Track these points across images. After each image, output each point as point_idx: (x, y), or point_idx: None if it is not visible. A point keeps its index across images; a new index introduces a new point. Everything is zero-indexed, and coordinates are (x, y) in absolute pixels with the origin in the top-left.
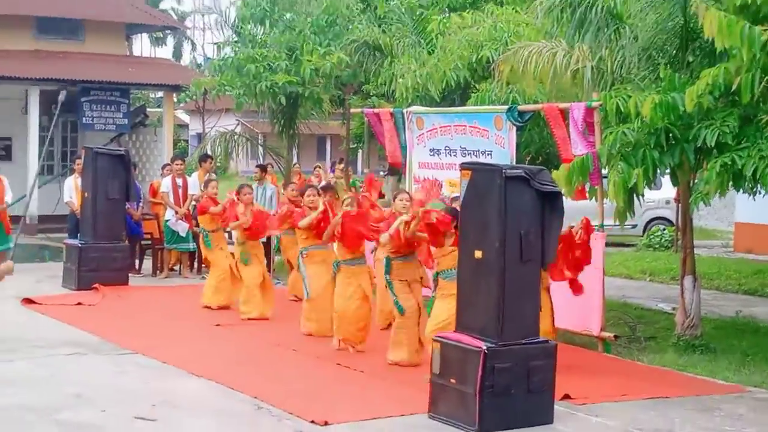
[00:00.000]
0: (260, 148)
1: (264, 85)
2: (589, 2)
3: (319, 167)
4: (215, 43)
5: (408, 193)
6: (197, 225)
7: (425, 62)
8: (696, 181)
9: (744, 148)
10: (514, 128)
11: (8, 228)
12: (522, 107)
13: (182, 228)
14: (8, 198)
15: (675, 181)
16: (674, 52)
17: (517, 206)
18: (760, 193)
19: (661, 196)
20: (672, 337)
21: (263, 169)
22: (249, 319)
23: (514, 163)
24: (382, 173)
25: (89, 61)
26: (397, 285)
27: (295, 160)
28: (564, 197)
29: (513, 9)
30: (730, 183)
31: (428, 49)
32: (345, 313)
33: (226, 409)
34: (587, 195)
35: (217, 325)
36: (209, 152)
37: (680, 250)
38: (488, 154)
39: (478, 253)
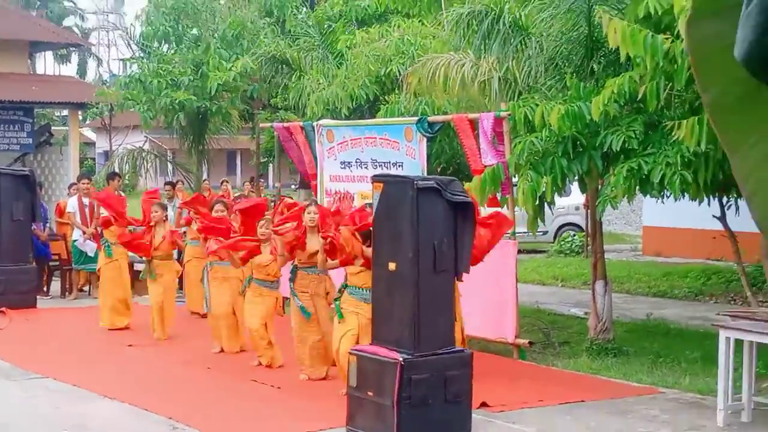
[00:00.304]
0: (169, 165)
1: (165, 102)
2: (495, 14)
3: (227, 182)
4: (121, 59)
5: (317, 205)
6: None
7: (334, 77)
8: (603, 186)
9: (650, 153)
10: (425, 139)
11: None
12: (432, 118)
13: (90, 248)
14: None
15: (584, 188)
16: (579, 61)
17: (430, 217)
18: (667, 197)
19: (570, 202)
20: (585, 342)
21: (173, 185)
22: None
23: (425, 174)
24: (293, 187)
25: None
26: (300, 297)
27: (205, 175)
28: (479, 206)
29: (419, 21)
30: (637, 188)
31: (336, 62)
32: (257, 330)
33: (140, 430)
34: (499, 203)
35: (129, 345)
36: (117, 170)
37: (590, 255)
38: (399, 166)
39: (392, 265)
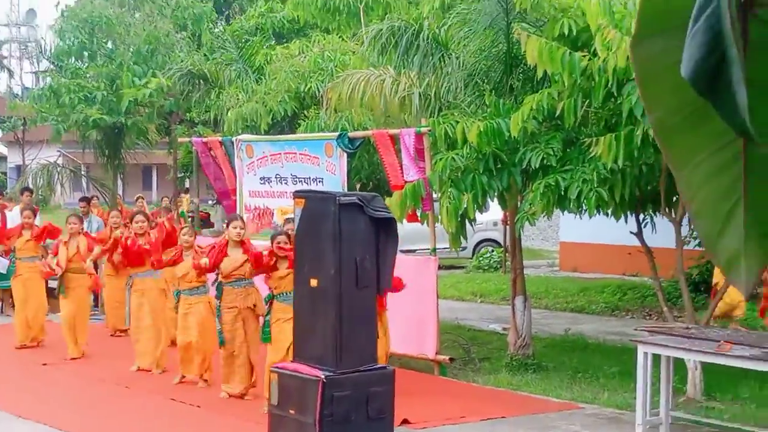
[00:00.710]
0: (83, 180)
1: (78, 117)
2: (415, 29)
3: (142, 198)
4: (34, 72)
5: (242, 219)
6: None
7: (253, 93)
8: (522, 202)
9: (567, 170)
10: (345, 155)
11: None
12: (352, 134)
13: (2, 265)
14: None
15: (504, 204)
16: (498, 77)
17: (352, 233)
18: (584, 213)
19: (488, 218)
20: (505, 357)
21: (88, 201)
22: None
23: (345, 189)
24: (210, 202)
25: None
26: (225, 315)
27: (120, 191)
28: (398, 222)
29: (339, 37)
30: (555, 204)
31: (255, 77)
32: (186, 345)
33: None
34: (419, 219)
35: (44, 364)
36: (30, 185)
37: (509, 271)
38: (319, 182)
39: (313, 281)
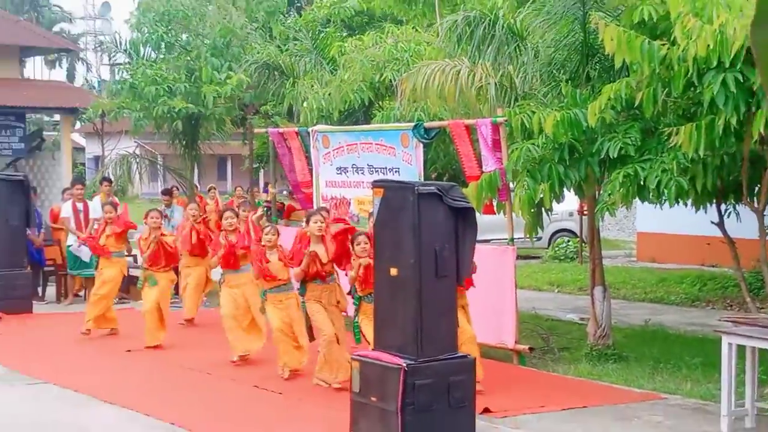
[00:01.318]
0: (160, 170)
1: (162, 109)
2: (490, 20)
3: (214, 188)
4: (110, 65)
5: (323, 213)
6: None
7: (328, 83)
8: (601, 192)
9: (646, 160)
10: (421, 145)
11: None
12: (428, 124)
13: (85, 253)
14: None
15: (581, 194)
16: (575, 67)
17: (431, 223)
18: (665, 203)
19: (564, 208)
20: (585, 347)
21: (170, 193)
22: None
23: (421, 179)
24: (285, 192)
25: None
26: (311, 306)
27: (196, 180)
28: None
29: (413, 28)
30: (634, 194)
31: (330, 68)
32: (280, 337)
33: None
34: (495, 210)
35: (128, 350)
36: (109, 175)
37: (585, 261)
38: (396, 172)
39: (393, 271)
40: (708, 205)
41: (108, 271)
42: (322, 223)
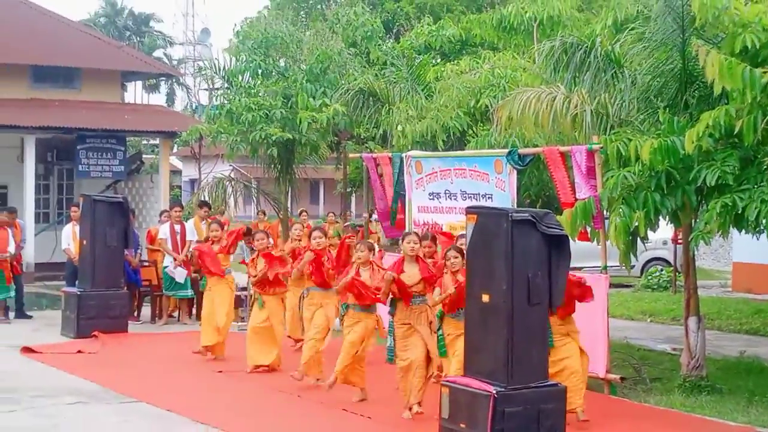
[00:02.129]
0: (254, 193)
1: (258, 135)
2: (587, 47)
3: (305, 212)
4: (209, 89)
5: (416, 234)
6: (196, 271)
7: (424, 109)
8: (697, 221)
9: (745, 189)
10: (515, 171)
11: (9, 278)
12: (522, 150)
13: (180, 275)
14: (11, 248)
15: (677, 222)
16: (673, 95)
17: (524, 249)
18: (763, 233)
19: (658, 236)
20: (677, 378)
21: (264, 214)
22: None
23: (515, 206)
24: (374, 217)
25: (85, 109)
26: (398, 331)
27: (290, 204)
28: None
29: (511, 54)
30: (731, 223)
31: (425, 93)
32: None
33: None
34: (589, 237)
35: (219, 371)
36: (206, 198)
37: (679, 290)
38: (489, 198)
39: (485, 297)
40: None
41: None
42: (415, 243)
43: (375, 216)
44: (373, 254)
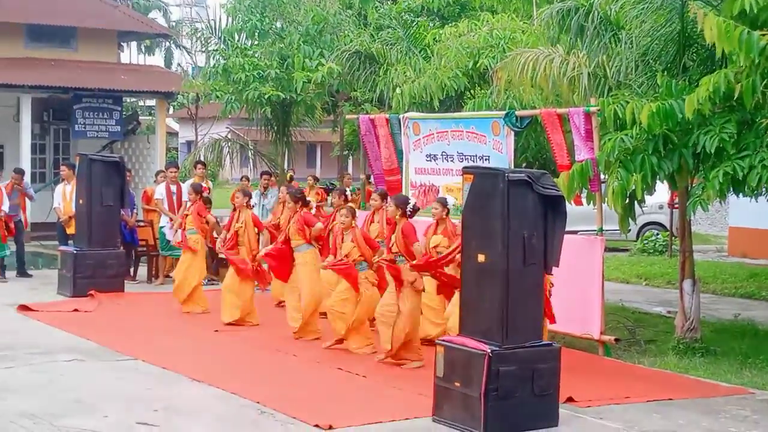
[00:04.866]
0: (250, 155)
1: (252, 94)
2: (586, 9)
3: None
4: (204, 51)
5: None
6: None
7: (422, 70)
8: (694, 185)
9: (745, 156)
10: (512, 133)
11: (4, 237)
12: (520, 112)
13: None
14: (5, 207)
15: (674, 186)
16: (671, 58)
17: (520, 210)
18: (763, 197)
19: (654, 200)
20: (672, 341)
21: (270, 175)
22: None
23: (512, 168)
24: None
25: (81, 69)
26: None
27: (286, 166)
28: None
29: (509, 16)
30: (730, 189)
31: (423, 55)
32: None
33: (229, 414)
34: (583, 201)
35: (216, 330)
36: (202, 158)
37: (675, 254)
38: (486, 159)
39: (481, 257)
40: None
41: None
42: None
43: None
44: (355, 219)
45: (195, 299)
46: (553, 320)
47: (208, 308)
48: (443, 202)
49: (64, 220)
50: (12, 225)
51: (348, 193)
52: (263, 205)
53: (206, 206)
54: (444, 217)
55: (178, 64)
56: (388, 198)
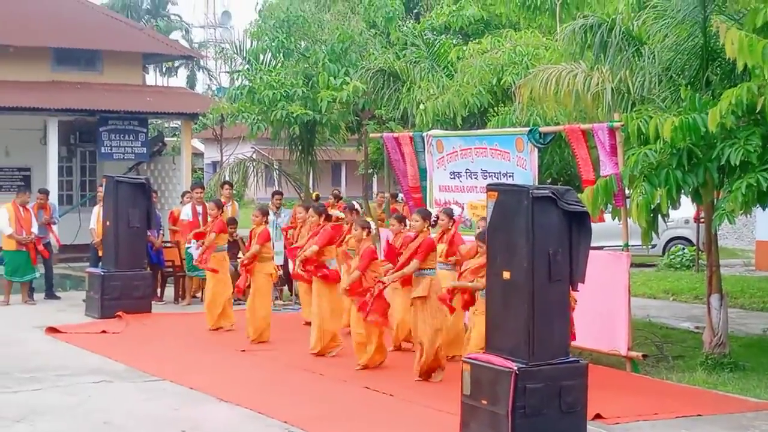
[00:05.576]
0: (275, 175)
1: (280, 114)
2: (608, 25)
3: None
4: (229, 72)
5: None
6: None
7: (445, 87)
8: (719, 199)
9: None
10: (536, 150)
11: (35, 259)
12: (544, 128)
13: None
14: (34, 228)
15: (699, 200)
16: (694, 72)
17: (545, 226)
18: None
19: (680, 215)
20: (700, 356)
21: (281, 195)
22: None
23: (536, 184)
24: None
25: (107, 91)
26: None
27: (311, 185)
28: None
29: (532, 33)
30: (755, 201)
31: (446, 73)
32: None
33: None
34: (606, 218)
35: (242, 350)
36: (227, 178)
37: (702, 269)
38: (510, 176)
39: (506, 274)
40: None
41: None
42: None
43: (401, 196)
44: (368, 232)
45: (224, 314)
46: (573, 337)
47: (234, 324)
48: (449, 213)
49: (96, 242)
50: (41, 247)
51: (357, 207)
52: (277, 224)
53: (230, 225)
54: (449, 227)
55: (207, 86)
56: (413, 214)
